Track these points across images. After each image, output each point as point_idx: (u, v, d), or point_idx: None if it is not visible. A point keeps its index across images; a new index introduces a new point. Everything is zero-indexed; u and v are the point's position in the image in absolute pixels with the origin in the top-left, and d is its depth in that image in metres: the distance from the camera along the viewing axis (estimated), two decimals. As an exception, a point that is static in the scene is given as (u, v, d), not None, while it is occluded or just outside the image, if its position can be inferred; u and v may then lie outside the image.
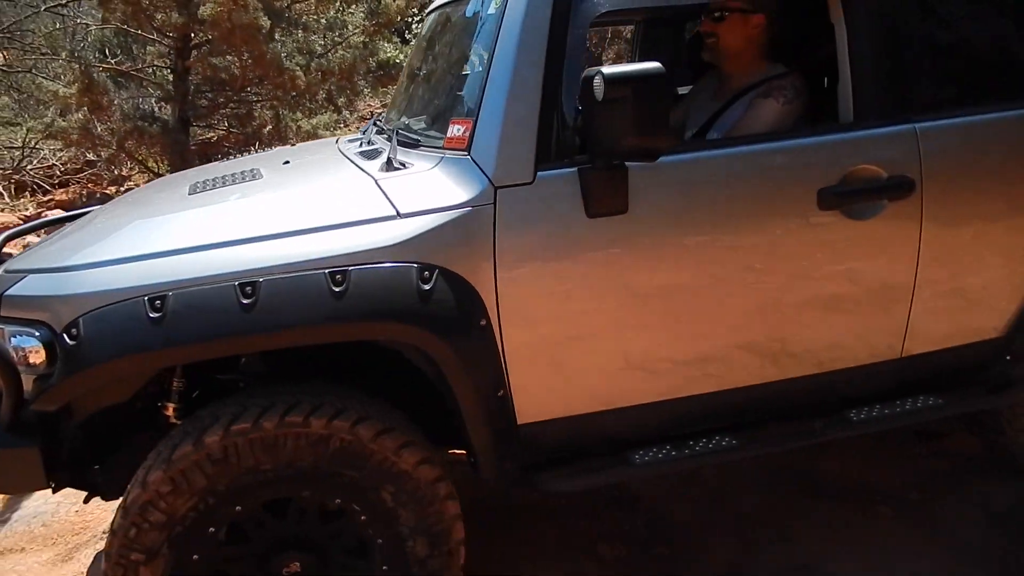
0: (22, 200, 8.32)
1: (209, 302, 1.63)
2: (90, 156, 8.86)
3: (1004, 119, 2.07)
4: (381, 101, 9.81)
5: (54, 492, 1.87)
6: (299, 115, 8.20)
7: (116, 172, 8.88)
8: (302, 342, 1.72)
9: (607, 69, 1.64)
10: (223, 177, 2.22)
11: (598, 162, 1.76)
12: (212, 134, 8.92)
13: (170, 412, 1.90)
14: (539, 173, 1.80)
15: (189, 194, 2.12)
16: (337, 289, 1.66)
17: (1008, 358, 2.22)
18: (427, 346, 1.74)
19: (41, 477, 1.75)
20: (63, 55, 9.61)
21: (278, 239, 1.72)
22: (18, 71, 13.68)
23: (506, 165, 1.79)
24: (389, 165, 1.94)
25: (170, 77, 7.76)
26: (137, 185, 8.10)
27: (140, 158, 8.55)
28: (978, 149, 2.06)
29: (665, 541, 2.48)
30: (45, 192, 8.59)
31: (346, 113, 9.44)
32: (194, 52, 7.31)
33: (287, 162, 2.38)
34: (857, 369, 2.12)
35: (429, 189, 1.82)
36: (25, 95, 11.97)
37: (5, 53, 14.48)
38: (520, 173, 1.79)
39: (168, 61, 7.74)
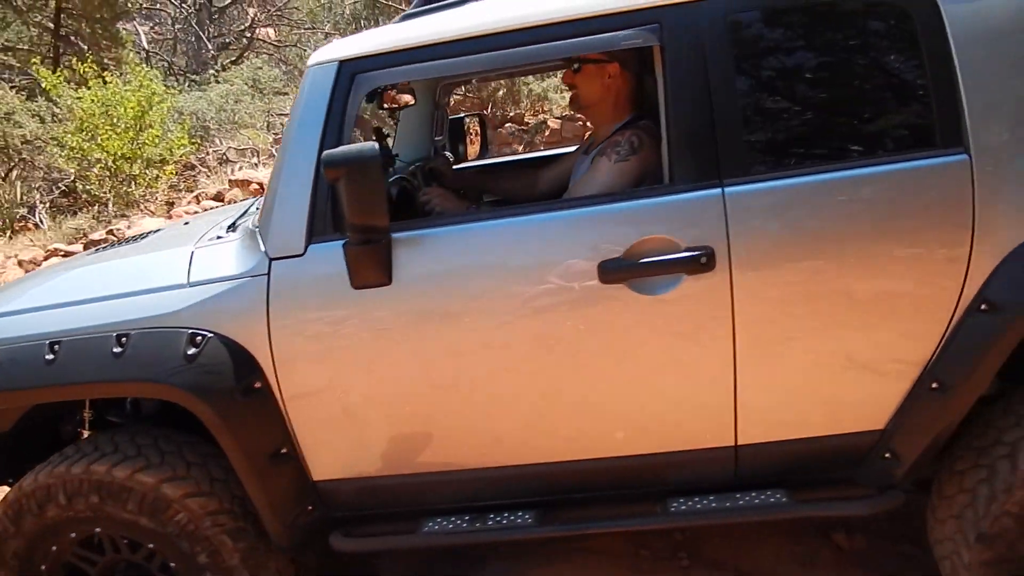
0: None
1: (25, 356, 1.95)
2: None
3: (834, 182, 1.78)
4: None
5: None
6: (530, 79, 8.88)
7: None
8: (91, 396, 1.99)
9: (331, 151, 1.72)
10: (130, 238, 2.58)
11: (350, 238, 1.83)
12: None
13: (83, 439, 2.26)
14: (311, 246, 1.90)
15: (93, 252, 2.50)
16: (117, 351, 1.90)
17: (887, 456, 1.89)
18: (191, 406, 1.91)
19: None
20: (326, 27, 10.89)
21: (97, 302, 2.01)
22: (286, 45, 15.88)
23: (279, 238, 1.92)
24: (216, 236, 2.15)
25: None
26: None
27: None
28: (803, 216, 1.79)
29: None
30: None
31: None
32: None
33: (186, 223, 2.68)
34: (680, 454, 1.94)
35: (222, 260, 2.01)
36: (292, 67, 13.90)
37: (275, 29, 16.89)
38: (292, 246, 1.91)
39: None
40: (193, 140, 9.57)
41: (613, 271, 1.80)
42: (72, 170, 9.07)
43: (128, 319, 1.94)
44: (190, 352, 1.88)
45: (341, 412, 1.96)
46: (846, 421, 1.89)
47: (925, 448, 1.85)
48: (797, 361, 1.85)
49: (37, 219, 9.21)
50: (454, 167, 3.36)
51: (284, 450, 1.97)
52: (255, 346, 1.91)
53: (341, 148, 1.73)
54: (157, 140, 8.83)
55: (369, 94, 2.07)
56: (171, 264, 2.06)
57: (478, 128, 3.54)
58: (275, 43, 16.02)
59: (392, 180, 2.52)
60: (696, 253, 1.78)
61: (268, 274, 1.91)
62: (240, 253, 1.98)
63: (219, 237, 2.14)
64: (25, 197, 10.06)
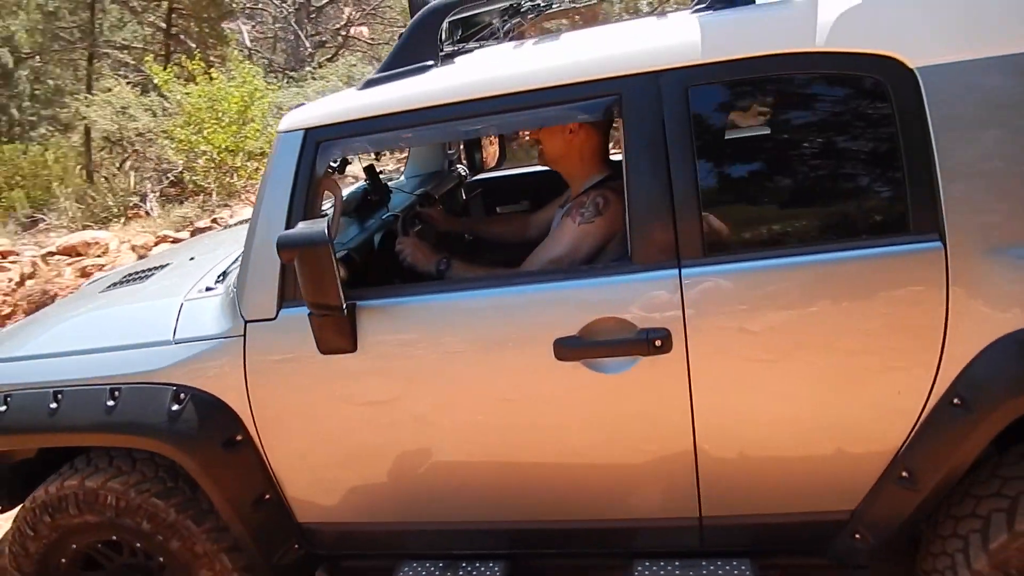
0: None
1: (33, 403, 2.12)
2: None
3: (797, 266, 1.70)
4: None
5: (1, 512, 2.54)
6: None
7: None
8: (89, 443, 2.14)
9: (284, 233, 1.76)
10: (133, 274, 2.70)
11: (310, 310, 1.87)
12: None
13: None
14: (282, 311, 1.97)
15: (101, 291, 2.64)
16: (111, 404, 2.03)
17: (856, 536, 1.84)
18: (175, 458, 2.04)
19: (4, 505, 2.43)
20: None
21: (95, 353, 2.15)
22: (380, 43, 16.17)
23: (253, 302, 1.99)
24: (206, 287, 2.23)
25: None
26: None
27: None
28: (764, 300, 1.71)
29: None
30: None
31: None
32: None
33: (192, 258, 2.77)
34: (645, 522, 1.95)
35: (205, 317, 2.09)
36: (385, 64, 14.20)
37: (369, 28, 17.26)
38: (265, 310, 1.98)
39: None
40: None
41: (567, 349, 1.79)
42: (180, 161, 9.53)
43: (120, 373, 2.07)
44: (174, 408, 2.00)
45: (318, 463, 2.05)
46: (814, 501, 1.85)
47: (894, 533, 1.80)
48: (759, 443, 1.81)
49: (148, 207, 9.72)
50: (472, 178, 3.36)
51: (268, 496, 2.08)
52: (235, 401, 2.01)
53: (293, 230, 1.76)
54: (258, 134, 9.13)
55: (339, 163, 2.08)
56: (161, 317, 2.16)
57: (494, 137, 3.50)
58: (369, 41, 16.29)
59: (382, 221, 2.55)
60: (651, 336, 1.74)
61: (244, 335, 2.00)
62: (220, 312, 2.07)
63: (208, 288, 2.23)
64: (137, 186, 10.66)
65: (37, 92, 16.88)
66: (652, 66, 1.74)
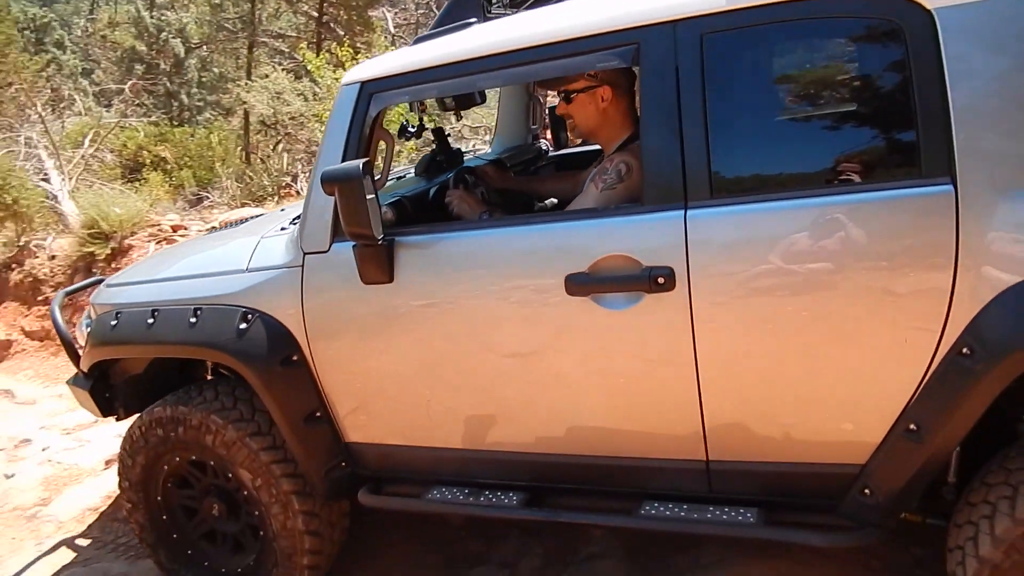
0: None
1: (131, 320, 2.47)
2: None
3: (803, 209, 1.69)
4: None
5: (117, 420, 2.91)
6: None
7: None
8: (177, 355, 2.45)
9: (326, 169, 1.96)
10: (234, 221, 3.03)
11: (354, 243, 2.07)
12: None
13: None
14: (334, 244, 2.18)
15: (205, 235, 2.98)
16: (192, 321, 2.33)
17: (866, 492, 1.81)
18: (241, 371, 2.31)
19: (97, 410, 2.80)
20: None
21: (187, 279, 2.49)
22: None
23: (311, 236, 2.23)
24: (281, 227, 2.50)
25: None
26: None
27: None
28: (769, 243, 1.72)
29: None
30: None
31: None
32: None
33: (283, 210, 3.06)
34: (653, 462, 2.00)
35: (274, 250, 2.35)
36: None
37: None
38: (320, 243, 2.21)
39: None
40: (431, 118, 10.27)
41: (577, 284, 1.88)
42: (328, 144, 10.19)
43: (203, 295, 2.38)
44: (242, 327, 2.26)
45: (361, 386, 2.26)
46: (823, 453, 1.84)
47: (903, 490, 1.76)
48: (764, 389, 1.82)
49: (298, 187, 10.42)
50: (550, 153, 3.49)
51: (318, 413, 2.31)
52: (293, 324, 2.25)
53: (335, 166, 1.96)
54: (401, 117, 9.61)
55: (417, 129, 2.23)
56: (241, 251, 2.45)
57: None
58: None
59: (449, 177, 2.72)
60: (654, 273, 1.80)
61: (302, 266, 2.23)
62: (286, 246, 2.32)
63: (283, 228, 2.49)
64: (289, 167, 11.49)
65: (203, 79, 18.53)
66: (668, 16, 1.80)
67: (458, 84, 2.07)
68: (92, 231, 6.70)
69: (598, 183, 2.16)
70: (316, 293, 2.21)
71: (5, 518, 3.53)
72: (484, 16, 2.14)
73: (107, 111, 13.14)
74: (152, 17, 17.48)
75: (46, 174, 8.98)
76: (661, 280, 1.79)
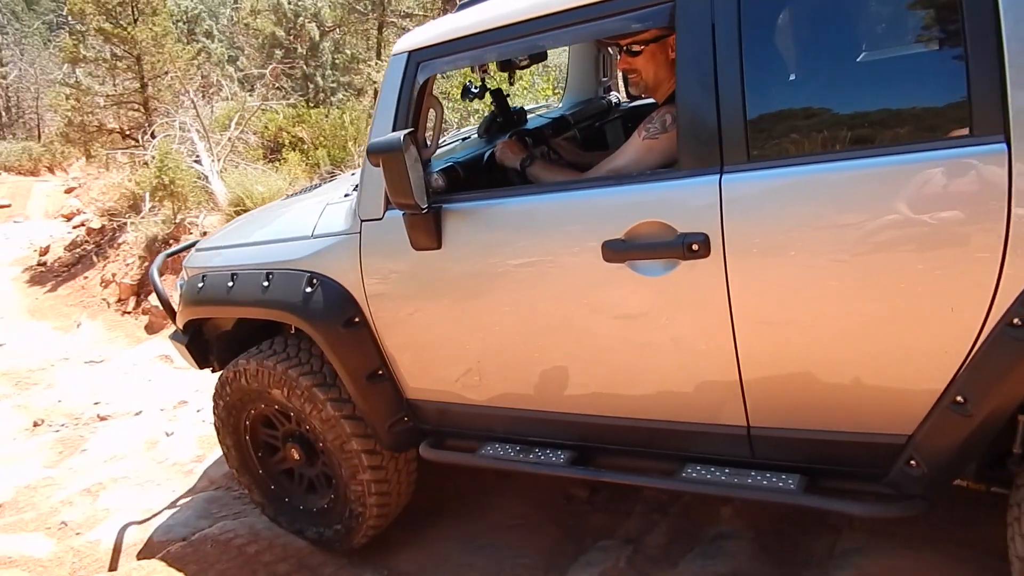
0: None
1: (215, 282, 2.67)
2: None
3: (843, 172, 1.61)
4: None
5: (212, 372, 3.12)
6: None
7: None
8: (253, 316, 2.62)
9: (372, 141, 2.03)
10: (309, 187, 3.18)
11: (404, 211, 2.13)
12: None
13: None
14: (387, 212, 2.26)
15: (285, 199, 3.14)
16: (265, 284, 2.50)
17: (911, 463, 1.74)
18: (308, 332, 2.44)
19: (194, 363, 3.04)
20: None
21: (262, 245, 2.65)
22: None
23: (367, 204, 2.31)
24: (345, 193, 2.59)
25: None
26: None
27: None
28: (805, 208, 1.66)
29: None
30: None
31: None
32: None
33: (353, 173, 3.16)
34: (695, 426, 2.00)
35: (336, 217, 2.45)
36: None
37: None
38: (375, 211, 2.30)
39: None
40: (493, 79, 10.17)
41: (614, 251, 1.88)
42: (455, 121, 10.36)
43: (275, 260, 2.53)
44: (307, 291, 2.40)
45: (418, 346, 2.35)
46: (868, 422, 1.78)
47: (950, 463, 1.69)
48: (803, 357, 1.78)
49: None
50: (621, 106, 3.43)
51: (380, 371, 2.43)
52: (354, 288, 2.36)
53: (379, 138, 2.02)
54: (525, 91, 9.52)
55: (480, 89, 2.25)
56: (309, 217, 2.57)
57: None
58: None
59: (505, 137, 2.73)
60: (688, 240, 1.78)
61: (360, 233, 2.33)
62: (347, 213, 2.42)
63: (346, 195, 2.59)
64: None
65: (336, 61, 19.09)
66: None
67: (501, 50, 2.07)
68: (239, 208, 7.22)
69: (642, 131, 2.13)
70: (373, 259, 2.31)
71: (166, 472, 3.89)
72: None
73: (250, 95, 13.79)
74: (289, 3, 18.13)
75: (198, 156, 9.67)
76: (695, 247, 1.77)
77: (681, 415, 2.00)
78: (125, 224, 9.37)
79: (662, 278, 1.85)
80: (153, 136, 11.51)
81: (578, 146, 2.99)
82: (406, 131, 2.00)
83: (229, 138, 10.50)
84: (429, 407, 2.45)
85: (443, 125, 2.37)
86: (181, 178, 8.57)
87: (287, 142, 13.23)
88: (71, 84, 15.84)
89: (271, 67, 16.33)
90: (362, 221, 2.33)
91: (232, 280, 2.60)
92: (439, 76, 2.28)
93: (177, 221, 8.04)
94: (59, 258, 10.34)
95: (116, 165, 12.81)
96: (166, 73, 14.71)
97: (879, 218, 1.59)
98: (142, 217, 8.97)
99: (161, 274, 3.17)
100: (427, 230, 2.13)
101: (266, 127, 13.16)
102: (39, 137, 24.41)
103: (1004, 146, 1.46)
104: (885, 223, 1.59)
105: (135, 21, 14.41)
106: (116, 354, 6.43)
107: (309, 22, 18.20)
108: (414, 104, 2.17)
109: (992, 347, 1.54)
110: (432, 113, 2.27)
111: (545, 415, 2.22)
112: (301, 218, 2.65)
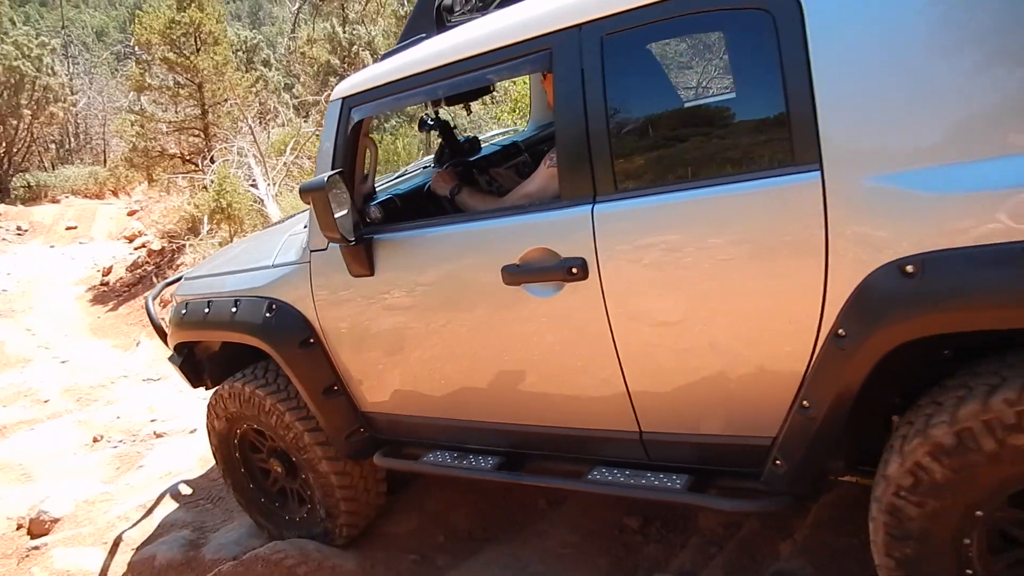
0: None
1: (194, 309, 2.97)
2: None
3: (690, 198, 1.79)
4: None
5: (206, 390, 3.39)
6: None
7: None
8: (225, 339, 2.92)
9: (302, 183, 2.28)
10: (284, 218, 3.46)
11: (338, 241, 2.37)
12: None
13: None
14: (331, 244, 2.49)
15: (263, 230, 3.41)
16: (234, 310, 2.78)
17: (777, 463, 1.89)
18: (270, 353, 2.71)
19: (187, 381, 3.32)
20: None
21: (233, 274, 2.94)
22: None
23: (315, 237, 2.56)
24: (303, 225, 2.83)
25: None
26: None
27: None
28: (664, 232, 1.84)
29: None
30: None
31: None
32: None
33: None
34: (600, 432, 2.18)
35: (293, 248, 2.72)
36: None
37: None
38: (321, 243, 2.54)
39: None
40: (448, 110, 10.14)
41: (511, 275, 2.09)
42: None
43: (242, 288, 2.81)
44: (267, 315, 2.67)
45: (364, 361, 2.59)
46: (740, 427, 1.94)
47: (807, 461, 1.84)
48: (674, 367, 1.95)
49: None
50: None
51: (335, 387, 2.67)
52: (307, 311, 2.62)
53: (309, 180, 2.26)
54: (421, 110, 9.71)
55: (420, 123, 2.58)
56: (272, 247, 2.85)
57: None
58: None
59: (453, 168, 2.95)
60: (568, 264, 1.97)
61: (310, 262, 2.59)
62: (300, 245, 2.68)
63: (305, 226, 2.83)
64: None
65: None
66: (574, 21, 1.92)
67: (415, 94, 2.29)
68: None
69: (547, 160, 2.32)
70: (321, 285, 2.57)
71: (219, 489, 3.95)
72: (445, 26, 2.35)
73: (305, 122, 14.26)
74: (344, 32, 18.65)
75: (254, 180, 10.11)
76: (575, 270, 1.96)
77: (585, 422, 2.19)
78: (184, 246, 9.85)
79: (551, 299, 2.04)
80: (212, 161, 11.99)
81: (527, 170, 3.17)
82: (332, 172, 2.24)
83: (284, 163, 10.85)
84: (380, 419, 2.69)
85: (377, 164, 2.60)
86: (238, 201, 8.97)
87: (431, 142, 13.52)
88: (136, 111, 16.59)
89: (326, 94, 16.82)
90: (311, 252, 2.59)
91: (208, 307, 2.90)
92: (374, 119, 2.50)
93: (233, 243, 8.48)
94: (121, 278, 10.86)
95: (176, 189, 13.41)
96: (225, 100, 15.31)
97: (723, 241, 1.76)
98: (200, 239, 9.44)
99: (165, 304, 3.50)
100: (359, 259, 2.38)
101: (321, 153, 13.51)
102: (104, 162, 25.59)
103: (819, 174, 1.61)
104: (728, 246, 1.75)
105: (197, 51, 15.08)
106: (172, 373, 6.73)
107: (363, 50, 18.61)
108: (349, 145, 2.41)
109: (824, 355, 1.69)
110: (368, 153, 2.51)
111: (474, 424, 2.44)
112: (264, 249, 2.93)
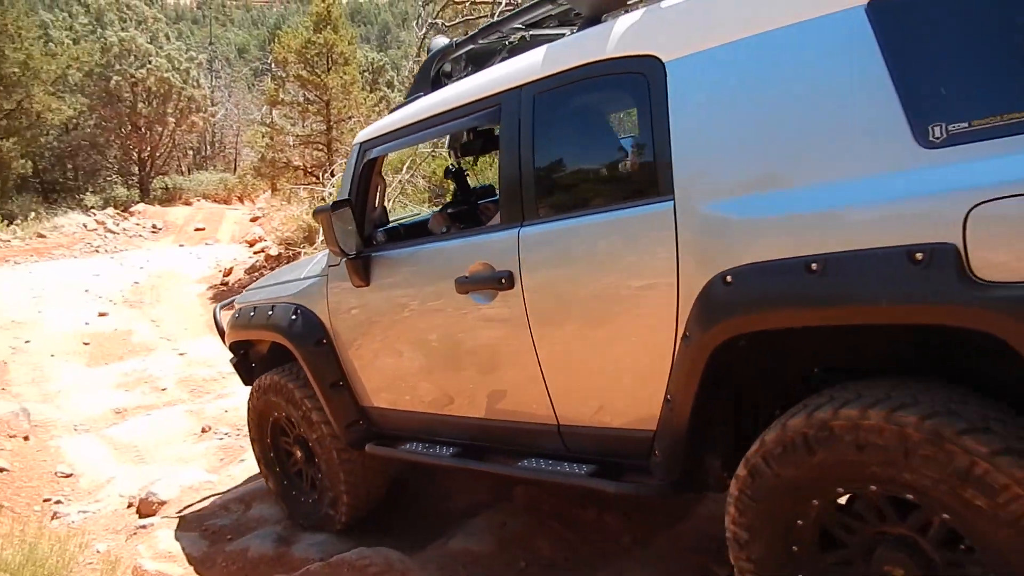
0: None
1: (244, 313, 3.65)
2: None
3: (579, 224, 2.21)
4: None
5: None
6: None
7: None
8: (263, 339, 3.59)
9: (316, 207, 2.89)
10: None
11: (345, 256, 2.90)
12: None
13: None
14: (343, 259, 2.99)
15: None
16: (270, 314, 3.39)
17: (656, 453, 2.17)
18: (292, 349, 3.25)
19: (241, 378, 3.94)
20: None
21: (276, 285, 3.59)
22: None
23: (331, 254, 3.09)
24: None
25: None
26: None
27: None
28: (561, 252, 2.27)
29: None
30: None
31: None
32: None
33: None
34: (523, 425, 2.56)
35: (320, 262, 3.30)
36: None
37: None
38: (334, 259, 3.08)
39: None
40: (467, 162, 10.28)
41: (461, 284, 2.54)
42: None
43: (279, 296, 3.43)
44: (292, 318, 3.25)
45: (361, 360, 3.10)
46: (633, 420, 2.24)
47: (676, 452, 2.08)
48: (578, 364, 2.32)
49: None
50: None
51: (340, 382, 3.18)
52: (322, 315, 3.18)
53: (322, 204, 2.83)
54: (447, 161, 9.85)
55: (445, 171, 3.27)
56: (307, 263, 3.47)
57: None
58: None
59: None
60: (499, 275, 2.39)
61: (327, 275, 3.15)
62: (321, 260, 3.27)
63: None
64: None
65: None
66: (515, 83, 2.40)
67: (409, 139, 2.86)
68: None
69: None
70: (333, 294, 3.12)
71: None
72: (440, 84, 2.92)
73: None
74: None
75: None
76: (504, 281, 2.39)
77: (517, 416, 2.58)
78: (299, 253, 10.43)
79: (488, 305, 2.48)
80: (332, 175, 12.68)
81: None
82: (338, 200, 2.82)
83: (400, 180, 11.38)
84: (375, 412, 3.18)
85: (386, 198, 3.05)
86: (355, 217, 9.35)
87: (449, 187, 13.85)
88: (268, 124, 17.72)
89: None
90: (329, 266, 3.15)
91: (254, 311, 3.54)
92: (383, 158, 3.04)
93: (351, 257, 8.82)
94: (239, 279, 11.55)
95: (297, 199, 14.26)
96: (350, 118, 16.20)
97: (607, 259, 2.14)
98: (315, 248, 9.89)
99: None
100: (357, 271, 2.91)
101: (434, 172, 14.04)
102: (234, 170, 27.49)
103: (671, 203, 1.97)
104: (610, 262, 2.13)
105: (328, 70, 16.10)
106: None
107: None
108: (362, 178, 2.98)
109: (678, 355, 2.01)
110: (378, 188, 3.08)
111: (438, 417, 2.88)
112: (302, 264, 3.56)
